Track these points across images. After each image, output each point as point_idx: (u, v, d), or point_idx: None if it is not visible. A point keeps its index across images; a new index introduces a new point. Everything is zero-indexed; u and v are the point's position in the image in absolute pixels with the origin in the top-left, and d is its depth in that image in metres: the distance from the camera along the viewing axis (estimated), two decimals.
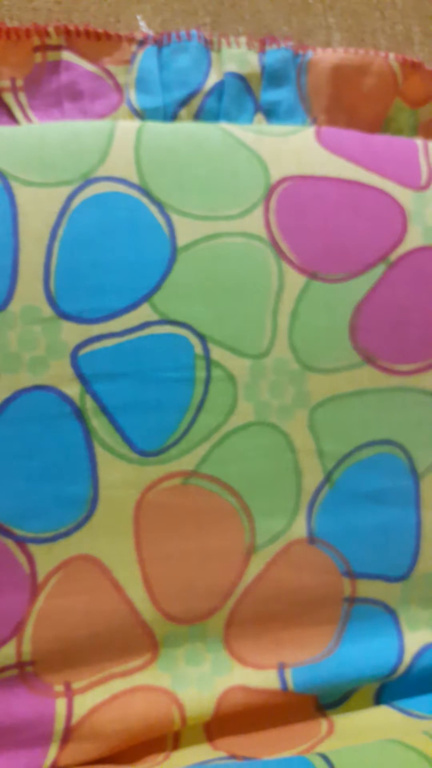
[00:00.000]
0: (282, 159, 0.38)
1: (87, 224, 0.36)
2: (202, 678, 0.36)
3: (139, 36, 0.41)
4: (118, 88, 0.41)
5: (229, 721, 0.36)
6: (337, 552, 0.38)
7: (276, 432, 0.37)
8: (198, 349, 0.36)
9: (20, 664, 0.34)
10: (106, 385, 0.35)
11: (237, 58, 0.42)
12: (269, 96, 0.42)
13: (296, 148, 0.39)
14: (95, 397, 0.35)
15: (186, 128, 0.39)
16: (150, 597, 0.36)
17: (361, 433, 0.38)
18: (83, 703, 0.34)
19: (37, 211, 0.35)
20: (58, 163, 0.36)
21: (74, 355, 0.35)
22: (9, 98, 0.39)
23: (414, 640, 0.38)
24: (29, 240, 0.35)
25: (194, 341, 0.36)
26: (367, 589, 0.38)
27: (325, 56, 0.43)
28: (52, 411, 0.35)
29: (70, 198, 0.36)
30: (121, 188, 0.36)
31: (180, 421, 0.36)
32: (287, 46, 0.42)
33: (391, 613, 0.39)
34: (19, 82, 0.40)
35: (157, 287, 0.36)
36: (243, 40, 0.42)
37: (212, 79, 0.41)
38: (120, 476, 0.35)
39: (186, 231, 0.36)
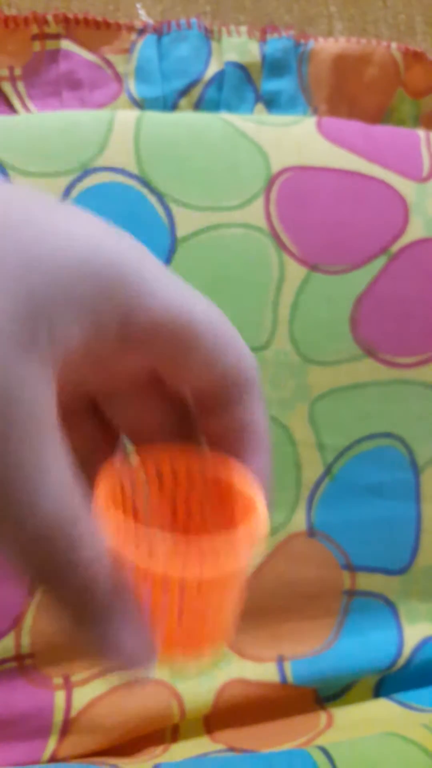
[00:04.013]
0: (283, 149, 0.38)
1: None
2: (200, 671, 0.36)
3: (138, 25, 0.41)
4: (118, 78, 0.40)
5: (228, 713, 0.36)
6: (337, 545, 0.38)
7: (276, 425, 0.37)
8: None
9: (19, 657, 0.34)
10: None
11: (237, 47, 0.41)
12: (270, 86, 0.42)
13: (297, 138, 0.39)
14: None
15: (186, 118, 0.38)
16: None
17: (362, 425, 0.38)
18: (82, 696, 0.34)
19: None
20: (56, 152, 0.36)
21: None
22: (7, 87, 0.39)
23: (413, 633, 0.38)
24: None
25: None
26: (367, 582, 0.38)
27: (327, 46, 0.42)
28: None
29: (69, 188, 0.35)
30: (120, 178, 0.36)
31: None
32: (288, 36, 0.42)
33: (391, 606, 0.39)
34: (18, 71, 0.39)
35: None
36: (244, 29, 0.42)
37: (212, 69, 0.41)
38: None
39: (186, 222, 0.36)
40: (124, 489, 0.18)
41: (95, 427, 0.20)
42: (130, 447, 0.20)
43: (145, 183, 0.36)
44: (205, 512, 0.20)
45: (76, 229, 0.16)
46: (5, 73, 0.39)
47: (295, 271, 0.37)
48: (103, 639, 0.16)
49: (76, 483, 0.15)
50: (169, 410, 0.20)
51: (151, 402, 0.20)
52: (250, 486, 0.19)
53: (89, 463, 0.18)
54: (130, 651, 0.16)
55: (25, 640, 0.34)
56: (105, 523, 0.16)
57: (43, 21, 0.39)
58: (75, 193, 0.35)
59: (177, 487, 0.20)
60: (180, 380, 0.19)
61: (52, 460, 0.15)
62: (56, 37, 0.40)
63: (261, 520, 0.17)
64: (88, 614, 0.16)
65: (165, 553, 0.15)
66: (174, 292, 0.17)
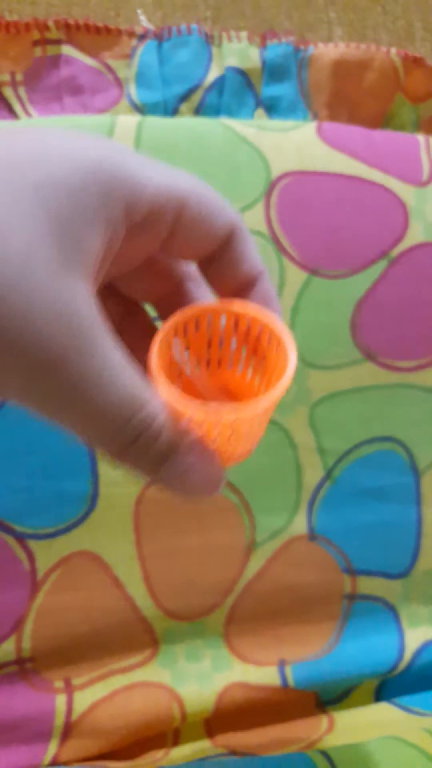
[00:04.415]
0: (283, 154, 0.38)
1: None
2: (202, 674, 0.36)
3: (139, 30, 0.41)
4: (118, 83, 0.41)
5: (230, 717, 0.36)
6: (338, 549, 0.38)
7: (277, 428, 0.37)
8: None
9: (20, 661, 0.34)
10: None
11: (238, 52, 0.42)
12: (270, 91, 0.42)
13: (297, 143, 0.39)
14: None
15: (186, 123, 0.38)
16: (150, 593, 0.36)
17: (362, 429, 0.38)
18: (83, 700, 0.34)
19: None
20: None
21: None
22: (9, 92, 0.39)
23: (414, 637, 0.38)
24: None
25: None
26: (368, 585, 0.38)
27: (327, 51, 0.42)
28: None
29: None
30: None
31: None
32: (288, 41, 0.42)
33: (392, 609, 0.39)
34: (19, 77, 0.39)
35: None
36: (244, 34, 0.42)
37: (213, 74, 0.41)
38: (120, 473, 0.35)
39: None
40: (170, 350, 0.21)
41: (117, 302, 0.23)
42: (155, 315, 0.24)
43: None
44: (238, 351, 0.23)
45: (71, 145, 0.18)
46: (7, 78, 0.39)
47: (296, 276, 0.37)
48: (177, 474, 0.20)
49: (131, 363, 0.18)
50: (172, 280, 0.23)
51: (158, 274, 0.23)
52: (270, 318, 0.21)
53: (123, 330, 0.22)
54: (203, 474, 0.20)
55: (26, 644, 0.34)
56: (161, 386, 0.19)
57: (44, 27, 0.40)
58: None
59: (213, 336, 0.23)
60: (182, 247, 0.21)
61: (111, 353, 0.18)
62: (57, 42, 0.40)
63: (290, 358, 0.20)
64: (166, 458, 0.19)
65: (209, 406, 0.19)
66: (161, 174, 0.20)
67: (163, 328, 0.21)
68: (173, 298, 0.23)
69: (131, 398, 0.18)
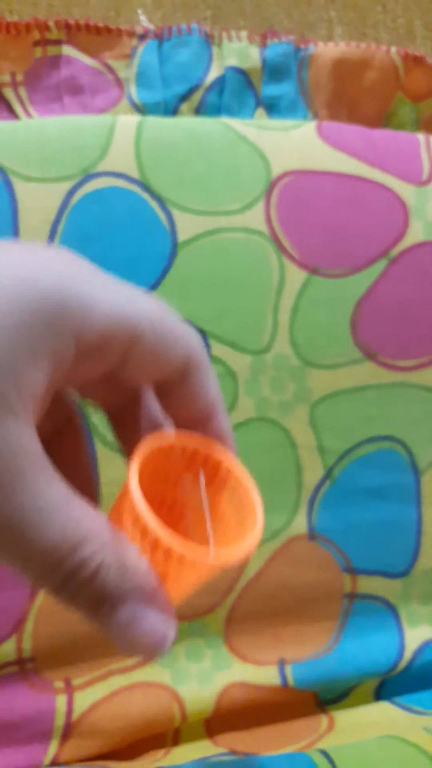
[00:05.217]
0: (283, 154, 0.38)
1: (87, 220, 0.35)
2: (202, 674, 0.36)
3: (139, 30, 0.41)
4: (119, 83, 0.41)
5: (230, 717, 0.36)
6: (338, 548, 0.38)
7: (277, 428, 0.37)
8: None
9: (20, 661, 0.34)
10: None
11: (238, 52, 0.42)
12: (270, 90, 0.42)
13: (297, 142, 0.39)
14: None
15: (187, 123, 0.38)
16: None
17: (362, 429, 0.38)
18: (83, 700, 0.34)
19: (37, 206, 0.35)
20: (58, 158, 0.36)
21: None
22: (9, 93, 0.39)
23: (414, 636, 0.38)
24: (29, 236, 0.35)
25: None
26: (368, 585, 0.38)
27: (327, 50, 0.42)
28: None
29: (70, 193, 0.35)
30: (122, 183, 0.36)
31: None
32: (288, 40, 0.42)
33: (392, 609, 0.39)
34: (19, 77, 0.39)
35: (157, 283, 0.36)
36: (244, 34, 0.42)
37: (213, 74, 0.41)
38: (121, 473, 0.35)
39: (187, 226, 0.36)
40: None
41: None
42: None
43: (146, 187, 0.36)
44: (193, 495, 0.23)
45: (15, 272, 0.17)
46: (7, 78, 0.39)
47: (296, 275, 0.37)
48: (118, 622, 0.18)
49: (72, 497, 0.18)
50: (127, 394, 0.22)
51: (112, 388, 0.22)
52: (230, 460, 0.22)
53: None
54: (149, 626, 0.18)
55: (27, 645, 0.34)
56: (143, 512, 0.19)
57: (44, 27, 0.40)
58: (76, 198, 0.35)
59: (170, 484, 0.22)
60: (133, 374, 0.20)
61: (46, 490, 0.17)
62: (57, 42, 0.40)
63: (256, 531, 0.20)
64: (103, 600, 0.18)
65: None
66: (112, 299, 0.18)
67: (135, 463, 0.21)
68: (128, 410, 0.22)
69: (65, 538, 0.17)
